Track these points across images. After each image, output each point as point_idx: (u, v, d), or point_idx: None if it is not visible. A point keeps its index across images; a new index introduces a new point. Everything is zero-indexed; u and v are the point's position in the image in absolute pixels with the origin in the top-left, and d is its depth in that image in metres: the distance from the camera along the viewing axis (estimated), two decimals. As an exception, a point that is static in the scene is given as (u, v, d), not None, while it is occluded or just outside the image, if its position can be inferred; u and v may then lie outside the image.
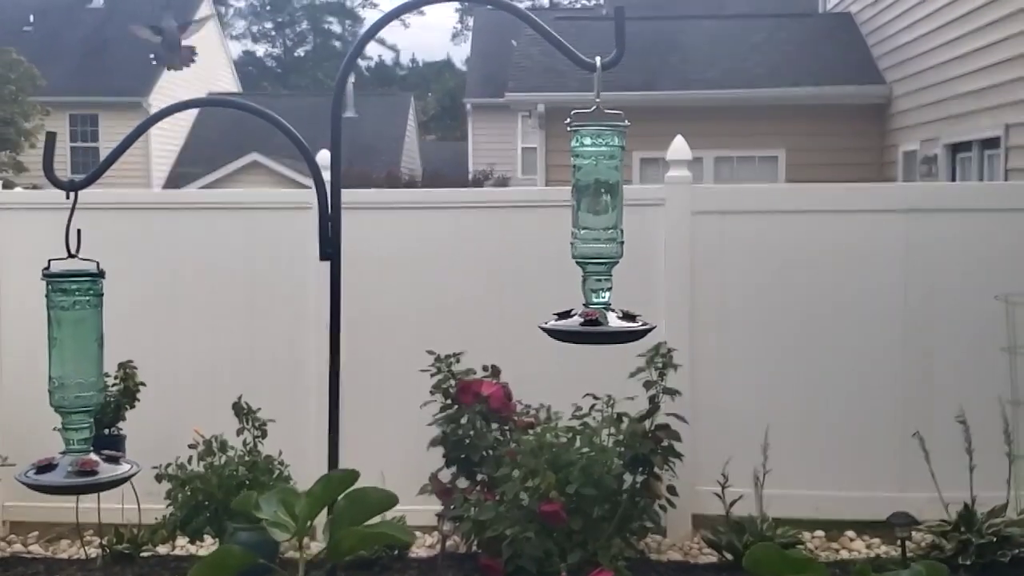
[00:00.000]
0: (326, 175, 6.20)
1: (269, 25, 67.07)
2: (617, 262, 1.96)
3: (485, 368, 5.64)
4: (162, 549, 5.79)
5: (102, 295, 2.02)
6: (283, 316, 6.19)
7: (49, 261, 1.99)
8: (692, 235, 6.00)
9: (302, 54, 66.67)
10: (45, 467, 2.00)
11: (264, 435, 5.55)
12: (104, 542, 5.73)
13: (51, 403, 2.03)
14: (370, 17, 67.33)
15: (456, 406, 5.57)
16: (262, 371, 6.13)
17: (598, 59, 1.99)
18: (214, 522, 5.35)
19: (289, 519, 1.30)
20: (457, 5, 63.16)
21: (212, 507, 5.33)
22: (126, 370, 5.62)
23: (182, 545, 5.88)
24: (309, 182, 12.96)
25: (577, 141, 1.97)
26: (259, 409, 5.55)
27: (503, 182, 25.80)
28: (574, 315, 1.91)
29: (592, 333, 1.86)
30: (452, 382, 5.60)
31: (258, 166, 22.87)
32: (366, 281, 5.82)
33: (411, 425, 5.68)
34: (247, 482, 5.36)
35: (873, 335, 6.00)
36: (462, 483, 5.54)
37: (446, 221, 6.23)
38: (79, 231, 2.00)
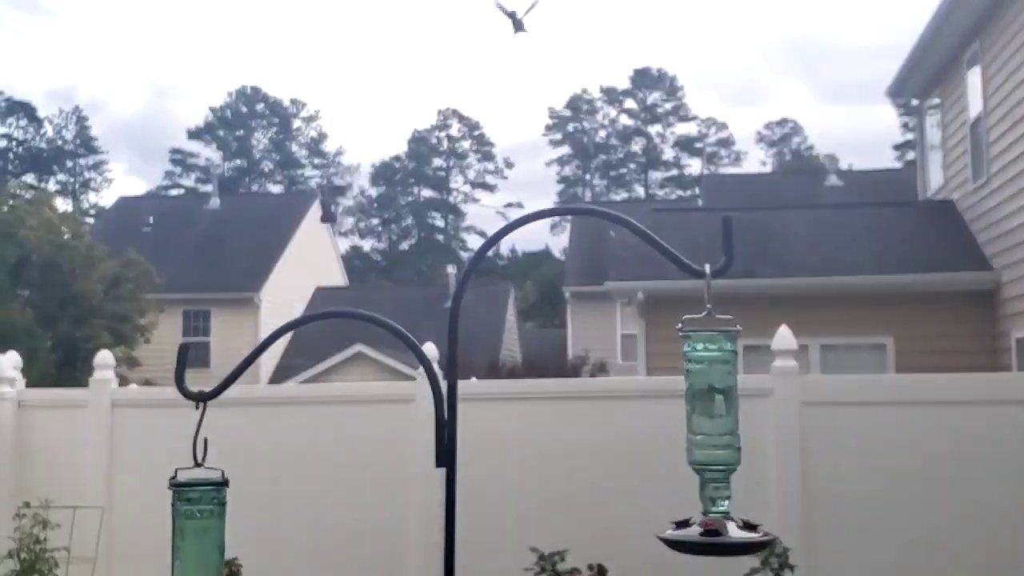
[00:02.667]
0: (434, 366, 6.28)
1: (376, 221, 69.72)
2: (735, 469, 1.93)
3: (590, 567, 5.52)
4: None
5: (225, 504, 2.04)
6: (385, 506, 6.18)
7: (176, 470, 2.03)
8: (802, 427, 5.88)
9: (406, 248, 68.90)
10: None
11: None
12: None
13: (176, 612, 2.05)
14: (471, 212, 69.69)
15: (561, 606, 5.44)
16: (361, 556, 6.10)
17: (707, 267, 2.02)
18: None
19: None
20: (556, 201, 64.95)
21: None
22: (231, 568, 5.63)
23: None
24: (411, 371, 12.97)
25: (689, 346, 1.97)
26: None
27: (601, 368, 25.77)
28: (692, 524, 1.87)
29: (713, 544, 1.82)
30: (557, 582, 5.49)
31: (363, 356, 23.31)
32: (468, 468, 5.79)
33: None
34: None
35: (994, 524, 5.74)
36: None
37: (547, 411, 6.22)
38: (206, 440, 2.05)
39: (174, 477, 2.01)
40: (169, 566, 6.22)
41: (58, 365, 19.93)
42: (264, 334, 23.82)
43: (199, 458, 2.04)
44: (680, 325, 2.00)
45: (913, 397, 6.00)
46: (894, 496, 5.84)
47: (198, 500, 2.00)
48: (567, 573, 5.49)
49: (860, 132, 76.54)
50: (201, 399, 2.10)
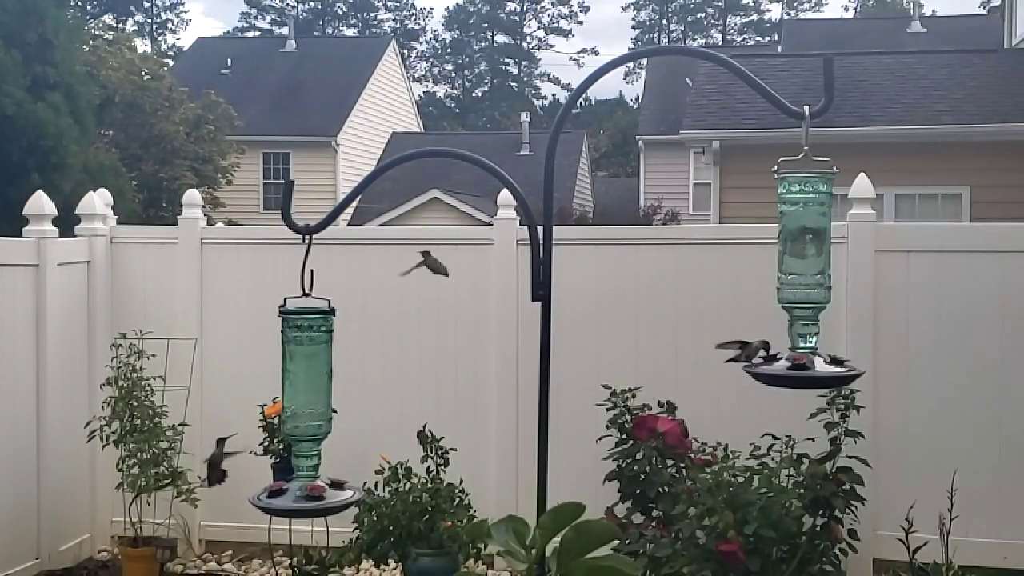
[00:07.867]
0: (509, 212, 6.33)
1: (449, 67, 69.15)
2: (824, 307, 1.97)
3: (661, 404, 5.65)
4: (347, 572, 5.97)
5: (332, 331, 2.13)
6: (465, 348, 6.34)
7: (285, 299, 2.12)
8: (875, 274, 5.88)
9: (479, 94, 68.43)
10: (276, 492, 2.11)
11: (447, 463, 5.68)
12: (293, 563, 5.95)
13: (284, 431, 2.16)
14: (545, 58, 68.75)
15: (632, 441, 5.59)
16: (445, 400, 6.30)
17: (806, 108, 2.03)
18: (398, 547, 5.49)
19: (521, 548, 1.37)
20: (631, 47, 63.65)
21: (396, 532, 5.48)
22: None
23: (366, 568, 6.06)
24: (484, 217, 13.33)
25: (784, 188, 2.00)
26: (442, 438, 5.70)
27: (673, 217, 25.74)
28: (780, 359, 1.93)
29: (801, 378, 1.88)
30: (628, 417, 5.63)
31: (438, 202, 23.45)
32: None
33: (586, 459, 5.73)
34: (430, 508, 5.50)
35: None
36: (637, 518, 5.55)
37: (626, 258, 6.29)
38: (312, 272, 2.13)
39: (282, 305, 2.10)
40: (254, 393, 6.44)
41: (144, 204, 20.40)
42: (342, 178, 24.12)
43: (307, 288, 2.12)
44: (776, 167, 2.02)
45: (986, 246, 5.94)
46: (964, 346, 5.85)
47: (307, 327, 2.09)
48: (638, 408, 5.64)
49: (946, -24, 73.34)
50: (307, 232, 2.18)
